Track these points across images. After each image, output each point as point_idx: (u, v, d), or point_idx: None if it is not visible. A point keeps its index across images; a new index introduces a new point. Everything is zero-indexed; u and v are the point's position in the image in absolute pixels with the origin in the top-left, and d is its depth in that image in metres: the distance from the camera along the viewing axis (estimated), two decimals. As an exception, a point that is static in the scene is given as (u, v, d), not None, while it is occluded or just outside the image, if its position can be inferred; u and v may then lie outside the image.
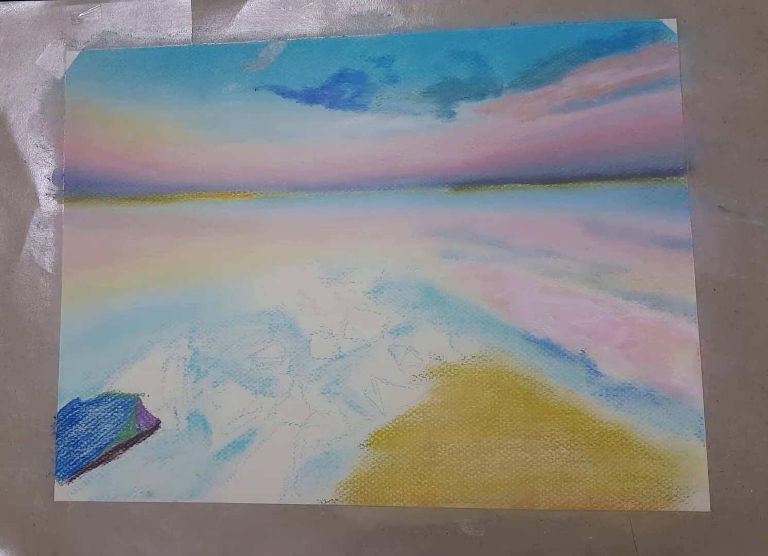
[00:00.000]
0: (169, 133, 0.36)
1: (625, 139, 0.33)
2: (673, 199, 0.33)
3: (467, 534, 0.32)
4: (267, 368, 0.34)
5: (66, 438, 0.34)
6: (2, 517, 0.34)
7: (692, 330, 0.32)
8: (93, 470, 0.34)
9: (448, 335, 0.33)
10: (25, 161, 0.37)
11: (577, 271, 0.33)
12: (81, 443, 0.34)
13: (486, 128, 0.34)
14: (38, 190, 0.36)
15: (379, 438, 0.33)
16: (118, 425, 0.34)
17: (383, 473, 0.33)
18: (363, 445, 0.33)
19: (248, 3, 0.36)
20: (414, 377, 0.33)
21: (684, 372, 0.32)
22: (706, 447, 0.31)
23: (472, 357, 0.33)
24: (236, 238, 0.35)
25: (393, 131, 0.35)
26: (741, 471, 0.31)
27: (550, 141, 0.34)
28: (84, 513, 0.34)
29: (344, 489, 0.33)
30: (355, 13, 0.36)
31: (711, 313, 0.32)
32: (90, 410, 0.35)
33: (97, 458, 0.34)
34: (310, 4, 0.36)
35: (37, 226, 0.36)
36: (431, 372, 0.33)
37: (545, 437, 0.32)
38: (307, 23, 0.36)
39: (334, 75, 0.35)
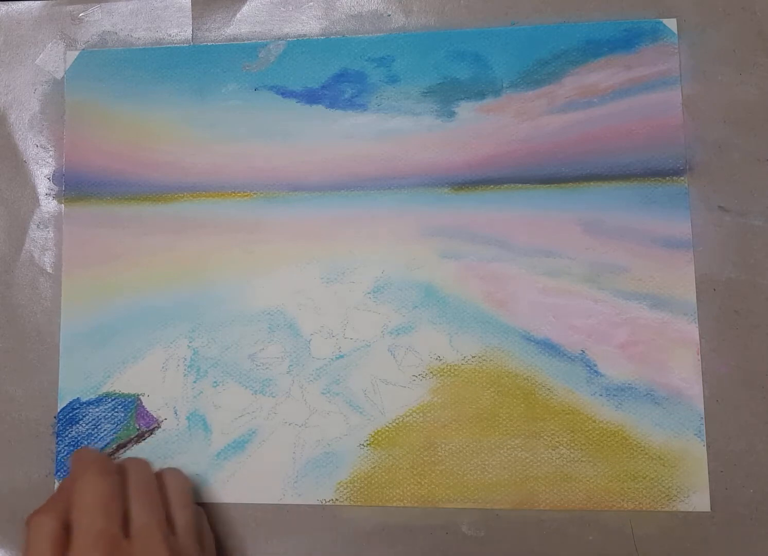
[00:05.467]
0: (169, 133, 0.36)
1: (625, 139, 0.33)
2: (673, 199, 0.33)
3: (467, 534, 0.32)
4: (267, 368, 0.34)
5: (66, 438, 0.34)
6: (2, 517, 0.34)
7: (692, 330, 0.32)
8: (93, 470, 0.34)
9: (448, 335, 0.33)
10: (25, 161, 0.37)
11: (577, 271, 0.33)
12: (81, 443, 0.34)
13: (486, 128, 0.34)
14: (38, 190, 0.36)
15: (379, 438, 0.33)
16: (118, 425, 0.34)
17: (383, 473, 0.33)
18: (363, 445, 0.33)
19: (248, 3, 0.36)
20: (414, 377, 0.33)
21: (684, 372, 0.32)
22: (706, 447, 0.31)
23: (472, 357, 0.33)
24: (236, 238, 0.35)
25: (393, 131, 0.35)
26: (741, 471, 0.31)
27: (550, 141, 0.34)
28: (84, 513, 0.34)
29: (344, 489, 0.33)
30: (355, 13, 0.36)
31: (711, 313, 0.32)
32: (90, 410, 0.35)
33: (97, 458, 0.34)
34: (310, 4, 0.36)
35: (37, 226, 0.36)
36: (431, 372, 0.33)
37: (545, 437, 0.32)
38: (307, 23, 0.36)
39: (334, 75, 0.35)
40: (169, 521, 0.29)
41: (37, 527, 0.27)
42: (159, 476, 0.31)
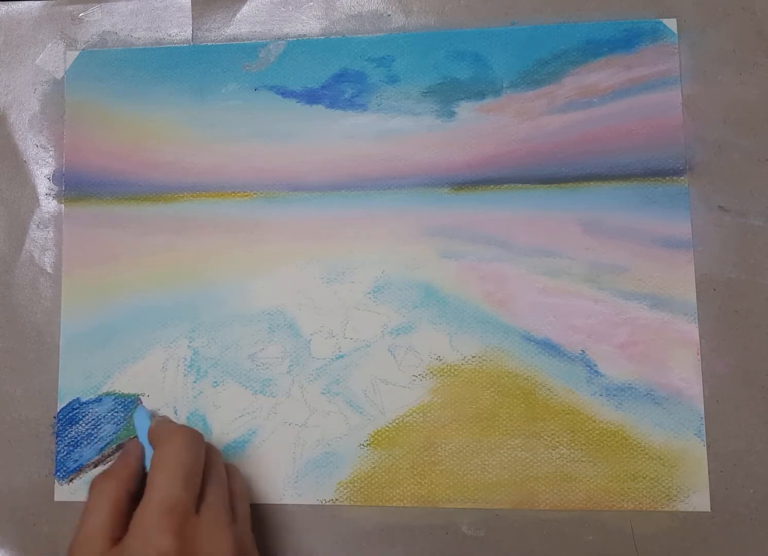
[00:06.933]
0: (169, 133, 0.36)
1: (625, 139, 0.33)
2: (673, 199, 0.33)
3: (467, 534, 0.32)
4: (267, 368, 0.34)
5: (66, 438, 0.34)
6: (2, 517, 0.34)
7: (692, 330, 0.32)
8: (93, 470, 0.34)
9: (448, 335, 0.33)
10: (25, 161, 0.37)
11: (577, 271, 0.33)
12: (81, 443, 0.34)
13: (486, 128, 0.34)
14: (38, 190, 0.36)
15: (379, 438, 0.33)
16: (118, 425, 0.34)
17: (383, 473, 0.33)
18: (363, 445, 0.33)
19: (248, 3, 0.36)
20: (414, 377, 0.33)
21: (684, 372, 0.32)
22: (706, 447, 0.31)
23: (472, 357, 0.33)
24: (236, 238, 0.35)
25: (393, 131, 0.35)
26: (741, 471, 0.31)
27: (550, 141, 0.34)
28: (84, 513, 0.34)
29: (344, 489, 0.33)
30: (355, 13, 0.36)
31: (711, 313, 0.32)
32: (90, 410, 0.35)
33: (97, 458, 0.34)
34: (310, 4, 0.36)
35: (37, 226, 0.36)
36: (431, 372, 0.33)
37: (545, 437, 0.32)
38: (307, 23, 0.36)
39: (334, 75, 0.35)
40: (232, 509, 0.29)
41: (101, 491, 0.28)
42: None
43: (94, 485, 0.28)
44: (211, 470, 0.29)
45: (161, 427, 0.30)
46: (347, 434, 0.33)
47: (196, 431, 0.30)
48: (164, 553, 0.25)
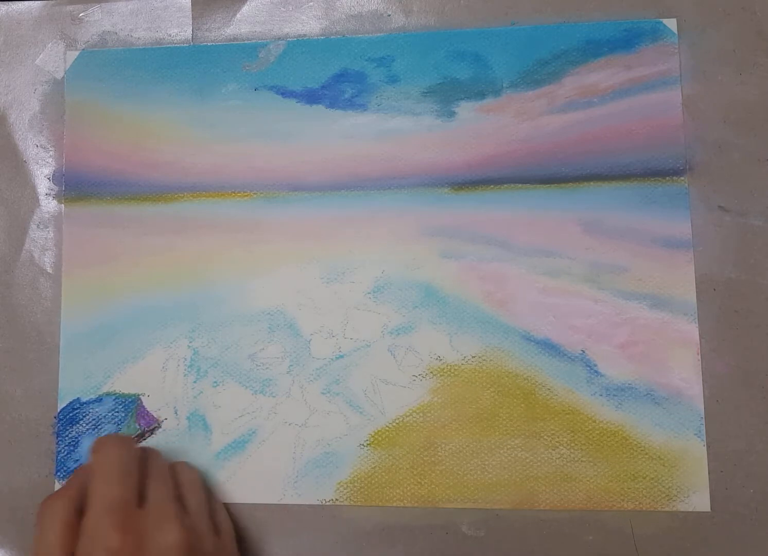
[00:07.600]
0: (169, 133, 0.36)
1: (625, 139, 0.33)
2: (673, 199, 0.33)
3: (467, 534, 0.32)
4: (267, 368, 0.34)
5: (66, 438, 0.34)
6: (2, 517, 0.34)
7: (692, 330, 0.32)
8: (93, 470, 0.34)
9: (448, 335, 0.33)
10: (25, 161, 0.37)
11: (577, 271, 0.33)
12: (81, 443, 0.34)
13: (486, 128, 0.34)
14: (38, 190, 0.36)
15: (379, 438, 0.33)
16: (118, 425, 0.34)
17: (383, 473, 0.33)
18: (363, 445, 0.33)
19: (248, 3, 0.36)
20: (414, 377, 0.33)
21: (684, 372, 0.32)
22: (706, 447, 0.31)
23: (472, 357, 0.33)
24: (236, 238, 0.35)
25: (393, 131, 0.35)
26: (741, 471, 0.31)
27: (550, 141, 0.34)
28: (84, 513, 0.34)
29: (344, 489, 0.33)
30: (355, 13, 0.36)
31: (711, 313, 0.32)
32: (90, 410, 0.35)
33: (97, 458, 0.34)
34: (310, 4, 0.36)
35: (37, 226, 0.36)
36: (431, 372, 0.33)
37: (545, 437, 0.32)
38: (307, 23, 0.36)
39: (334, 75, 0.35)
40: (182, 502, 0.29)
41: (49, 511, 0.28)
42: (170, 466, 0.32)
43: (41, 508, 0.28)
44: (150, 468, 0.30)
45: (94, 442, 0.30)
46: (347, 434, 0.33)
47: (122, 435, 0.30)
48: (112, 549, 0.26)
